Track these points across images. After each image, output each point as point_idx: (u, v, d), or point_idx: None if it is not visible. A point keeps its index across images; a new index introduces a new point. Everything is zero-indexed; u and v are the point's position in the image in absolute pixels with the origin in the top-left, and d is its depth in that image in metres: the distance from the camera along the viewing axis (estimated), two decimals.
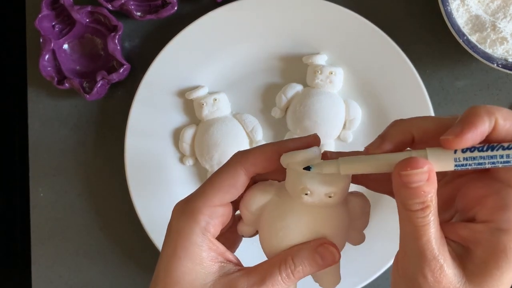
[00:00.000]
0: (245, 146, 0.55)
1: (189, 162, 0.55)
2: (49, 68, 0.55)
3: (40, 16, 0.53)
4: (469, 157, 0.26)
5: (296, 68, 0.54)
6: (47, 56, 0.54)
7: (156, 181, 0.55)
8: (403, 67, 0.52)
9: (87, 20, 0.55)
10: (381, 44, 0.52)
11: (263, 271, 0.30)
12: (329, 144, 0.54)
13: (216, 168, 0.54)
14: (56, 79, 0.54)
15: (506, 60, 0.50)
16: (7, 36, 0.62)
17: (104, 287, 0.58)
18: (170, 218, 0.32)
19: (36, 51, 0.56)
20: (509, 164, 0.26)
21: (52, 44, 0.54)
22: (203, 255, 0.30)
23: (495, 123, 0.26)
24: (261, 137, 0.55)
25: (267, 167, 0.31)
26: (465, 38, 0.49)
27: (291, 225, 0.31)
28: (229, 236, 0.34)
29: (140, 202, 0.54)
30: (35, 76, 0.57)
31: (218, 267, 0.30)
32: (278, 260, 0.30)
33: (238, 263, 0.32)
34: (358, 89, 0.54)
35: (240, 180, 0.31)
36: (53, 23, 0.55)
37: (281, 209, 0.31)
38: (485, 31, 0.50)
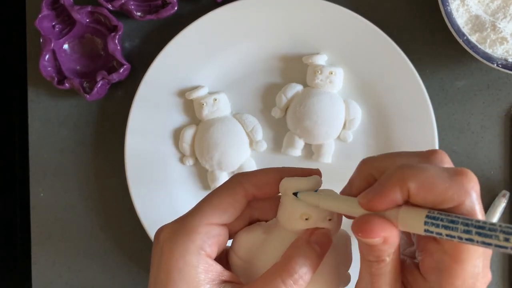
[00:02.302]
0: (245, 146, 0.55)
1: (189, 162, 0.55)
2: (49, 68, 0.55)
3: (40, 16, 0.53)
4: (441, 225, 0.24)
5: (296, 68, 0.54)
6: (47, 56, 0.54)
7: (156, 181, 0.55)
8: (403, 67, 0.52)
9: (87, 20, 0.55)
10: (381, 44, 0.52)
11: (262, 285, 0.28)
12: (329, 144, 0.54)
13: (216, 168, 0.54)
14: (56, 79, 0.54)
15: (506, 60, 0.50)
16: (7, 36, 0.62)
17: (104, 287, 0.58)
18: (154, 243, 0.30)
19: (36, 51, 0.56)
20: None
21: (52, 44, 0.54)
22: (200, 278, 0.28)
23: (407, 192, 0.25)
24: (261, 137, 0.55)
25: (267, 191, 0.30)
26: (465, 38, 0.49)
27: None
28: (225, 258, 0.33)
29: (140, 202, 0.54)
30: (35, 76, 0.57)
31: None
32: (277, 269, 0.28)
33: (237, 281, 0.30)
34: (358, 89, 0.54)
35: (239, 200, 0.30)
36: (53, 23, 0.55)
37: (271, 242, 0.30)
38: (485, 31, 0.50)
